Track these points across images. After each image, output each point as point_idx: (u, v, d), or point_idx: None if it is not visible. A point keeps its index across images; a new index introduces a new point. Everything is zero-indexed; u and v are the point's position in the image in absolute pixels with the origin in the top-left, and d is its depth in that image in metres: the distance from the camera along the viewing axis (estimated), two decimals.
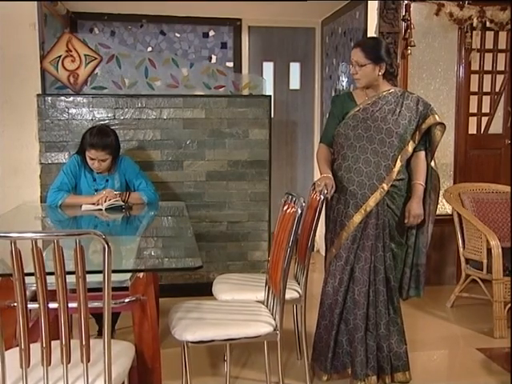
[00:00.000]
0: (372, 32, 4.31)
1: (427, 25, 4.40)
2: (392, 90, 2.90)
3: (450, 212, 4.56)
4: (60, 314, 1.80)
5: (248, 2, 4.81)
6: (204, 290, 4.03)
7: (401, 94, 2.90)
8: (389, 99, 2.87)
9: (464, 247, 4.00)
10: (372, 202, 2.83)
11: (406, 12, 4.30)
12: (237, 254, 4.35)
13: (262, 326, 2.44)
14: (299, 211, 2.42)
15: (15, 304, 2.25)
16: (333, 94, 5.25)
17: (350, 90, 3.17)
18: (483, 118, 4.63)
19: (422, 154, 2.92)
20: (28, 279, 2.42)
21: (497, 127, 4.66)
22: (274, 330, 2.45)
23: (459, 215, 4.04)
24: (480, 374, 3.12)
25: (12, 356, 1.91)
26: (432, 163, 2.93)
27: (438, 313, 4.01)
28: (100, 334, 3.01)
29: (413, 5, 4.31)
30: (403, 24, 4.31)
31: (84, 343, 1.83)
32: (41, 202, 4.01)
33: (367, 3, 4.32)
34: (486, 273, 3.73)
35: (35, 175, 4.05)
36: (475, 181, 4.43)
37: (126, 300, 2.33)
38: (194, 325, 2.39)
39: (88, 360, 1.85)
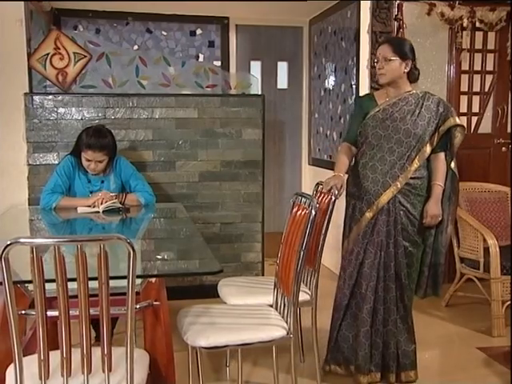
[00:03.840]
0: (365, 31, 4.30)
1: (419, 25, 4.40)
2: (413, 92, 2.92)
3: None
4: (81, 321, 1.72)
5: (235, 1, 4.76)
6: (198, 293, 3.99)
7: (422, 95, 2.91)
8: (409, 100, 2.88)
9: (459, 246, 4.01)
10: (384, 199, 2.87)
11: (398, 11, 4.30)
12: (230, 255, 4.28)
13: (275, 329, 2.38)
14: (313, 213, 2.37)
15: (22, 312, 2.18)
16: (322, 93, 5.23)
17: (373, 92, 3.21)
18: (473, 117, 4.66)
19: (442, 155, 2.92)
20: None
21: (486, 127, 4.70)
22: (287, 333, 2.40)
23: None
24: (484, 374, 3.12)
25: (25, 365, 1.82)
26: (452, 165, 2.93)
27: (433, 312, 4.01)
28: (98, 341, 2.93)
29: (405, 4, 4.31)
30: (395, 23, 4.31)
31: (106, 352, 1.75)
32: (29, 204, 3.89)
33: (360, 3, 4.31)
34: (482, 272, 3.74)
35: (23, 177, 3.91)
36: (465, 180, 4.43)
37: (138, 306, 2.25)
38: (207, 330, 2.32)
39: (110, 369, 1.78)
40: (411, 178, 2.86)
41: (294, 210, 2.61)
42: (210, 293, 3.87)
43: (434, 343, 3.57)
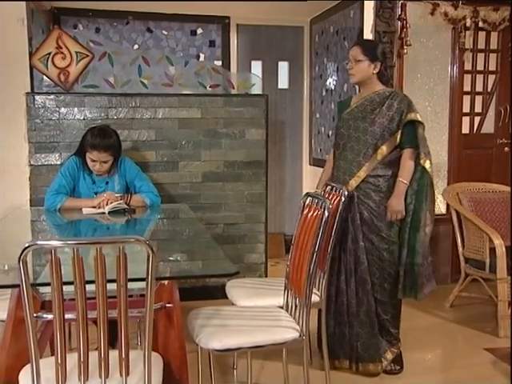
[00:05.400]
0: (368, 31, 4.28)
1: (422, 24, 4.40)
2: (381, 92, 2.99)
3: (443, 211, 4.57)
4: (99, 323, 1.69)
5: (236, 1, 4.73)
6: (202, 294, 3.98)
7: (389, 94, 2.98)
8: (374, 99, 2.98)
9: (463, 246, 4.00)
10: (344, 196, 2.90)
11: (401, 11, 4.29)
12: (233, 256, 4.23)
13: (287, 331, 2.35)
14: (326, 214, 2.35)
15: (34, 315, 2.13)
16: (323, 93, 5.21)
17: (354, 95, 3.28)
18: (475, 117, 4.66)
19: (407, 151, 2.94)
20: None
21: (488, 127, 4.70)
22: (300, 335, 2.37)
23: (458, 214, 4.04)
24: (491, 374, 3.11)
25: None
26: (427, 164, 2.89)
27: (438, 313, 4.00)
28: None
29: (408, 4, 4.30)
30: (399, 23, 4.30)
31: (124, 356, 1.72)
32: (31, 205, 3.84)
33: (363, 2, 4.29)
34: (488, 272, 3.73)
35: (24, 177, 3.87)
36: (467, 180, 4.43)
37: None
38: (219, 332, 2.29)
39: (127, 373, 1.75)
40: (371, 175, 2.93)
41: (305, 211, 2.58)
42: (213, 294, 3.87)
43: (439, 344, 3.57)
